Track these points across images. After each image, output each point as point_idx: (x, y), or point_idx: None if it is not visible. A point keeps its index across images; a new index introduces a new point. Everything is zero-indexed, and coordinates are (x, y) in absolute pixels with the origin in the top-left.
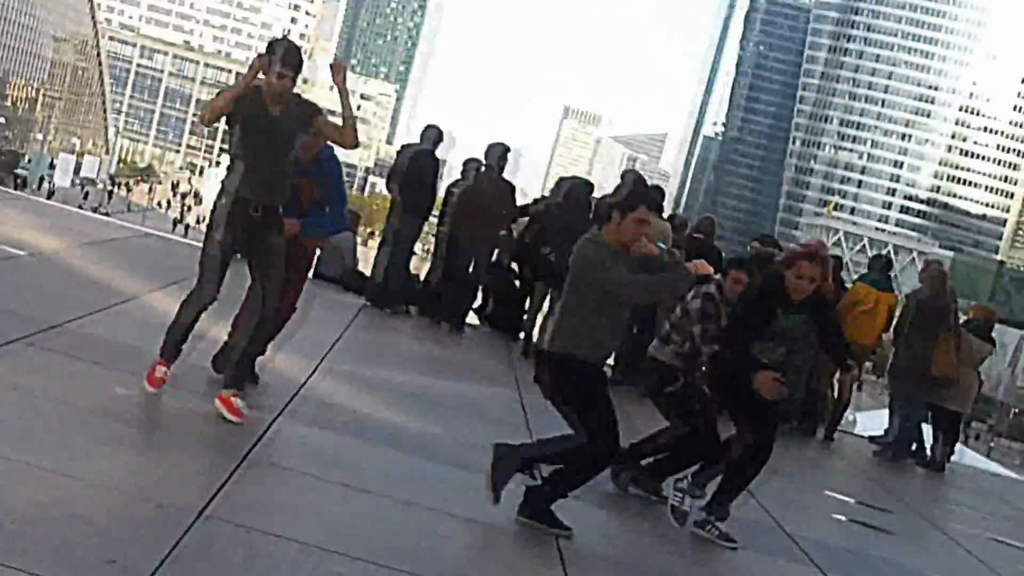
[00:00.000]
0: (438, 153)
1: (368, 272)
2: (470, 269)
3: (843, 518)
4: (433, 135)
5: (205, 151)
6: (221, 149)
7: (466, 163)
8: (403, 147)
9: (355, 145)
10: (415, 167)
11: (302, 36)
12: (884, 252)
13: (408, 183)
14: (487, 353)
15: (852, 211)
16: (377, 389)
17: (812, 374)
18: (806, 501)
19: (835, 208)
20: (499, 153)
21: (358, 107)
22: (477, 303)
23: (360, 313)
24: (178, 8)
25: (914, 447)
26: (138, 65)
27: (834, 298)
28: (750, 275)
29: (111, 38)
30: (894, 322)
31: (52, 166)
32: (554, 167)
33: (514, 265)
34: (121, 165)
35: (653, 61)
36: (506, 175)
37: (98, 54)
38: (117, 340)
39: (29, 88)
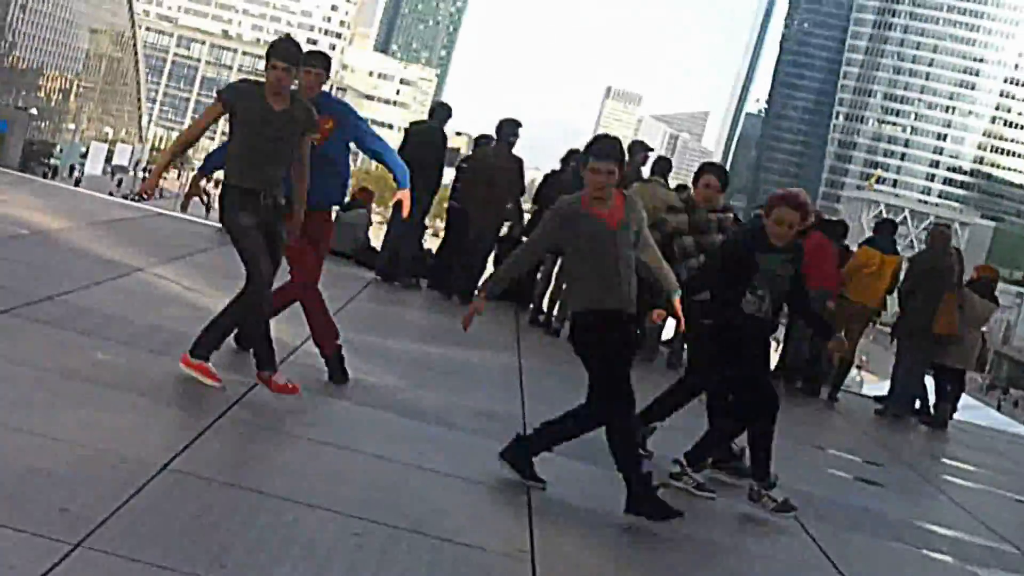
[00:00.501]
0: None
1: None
2: (480, 242)
3: (837, 472)
4: (443, 113)
5: None
6: None
7: (477, 139)
8: (411, 124)
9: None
10: (422, 143)
11: (342, 23)
12: (893, 219)
13: (415, 159)
14: (494, 322)
15: (895, 184)
16: (374, 355)
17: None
18: (800, 458)
19: (877, 181)
20: (510, 129)
21: (397, 91)
22: (487, 275)
23: (368, 286)
24: None
25: (918, 405)
26: (175, 55)
27: (837, 260)
28: (721, 180)
29: (148, 29)
30: (899, 283)
31: (85, 155)
32: None
33: (524, 237)
34: (154, 153)
35: (695, 39)
36: (549, 156)
37: (134, 45)
38: (107, 311)
39: (63, 79)
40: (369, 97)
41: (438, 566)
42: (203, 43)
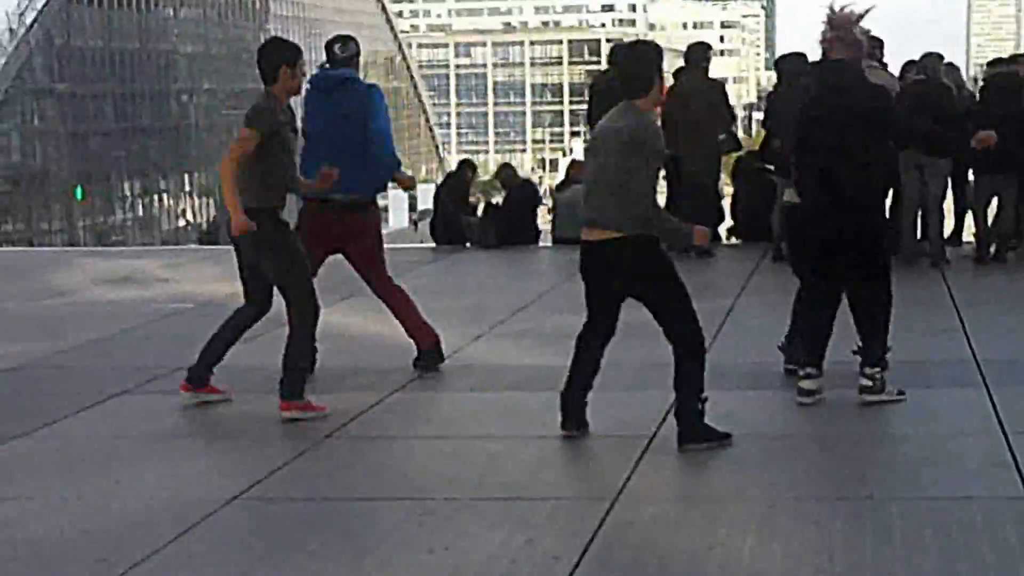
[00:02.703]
0: None
1: None
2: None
3: None
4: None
5: (553, 141)
6: (572, 133)
7: (674, 74)
8: (593, 80)
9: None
10: (602, 94)
11: None
12: None
13: (602, 113)
14: (728, 269)
15: None
16: (545, 338)
17: None
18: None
19: None
20: (699, 53)
21: (721, 39)
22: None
23: None
24: None
25: None
26: (456, 66)
27: None
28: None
29: (420, 45)
30: None
31: (385, 209)
32: (973, 49)
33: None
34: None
35: None
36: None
37: (407, 68)
38: (248, 363)
39: None
40: None
41: (501, 520)
42: (484, 45)
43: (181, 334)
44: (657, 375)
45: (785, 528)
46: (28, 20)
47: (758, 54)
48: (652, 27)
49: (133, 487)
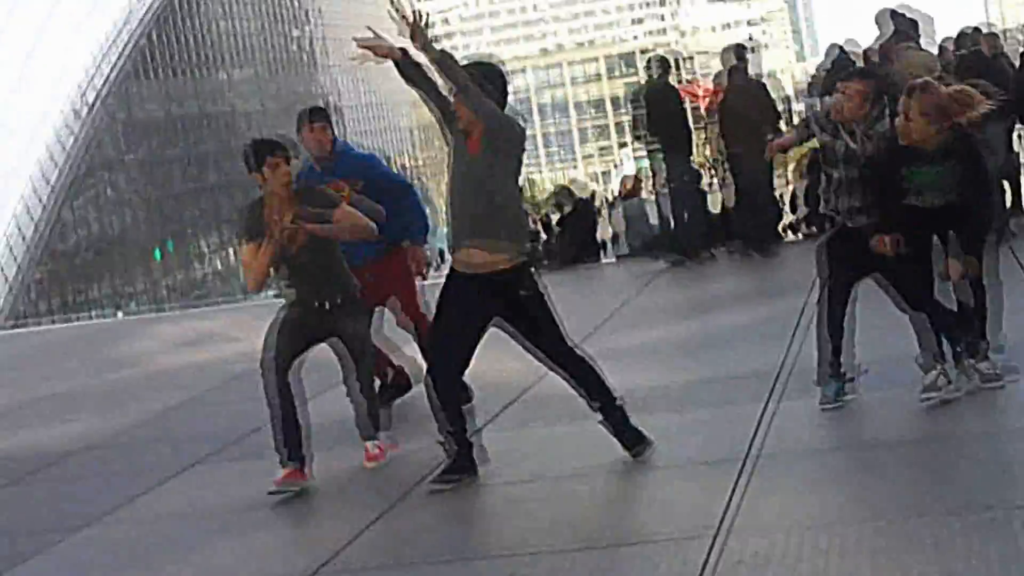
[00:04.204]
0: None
1: None
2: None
3: None
4: (661, 66)
5: (602, 154)
6: (620, 144)
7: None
8: (638, 87)
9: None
10: (653, 102)
11: None
12: None
13: (656, 120)
14: (794, 268)
15: None
16: (628, 357)
17: None
18: None
19: None
20: (736, 54)
21: (750, 37)
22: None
23: (658, 276)
24: (523, 17)
25: None
26: None
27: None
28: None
29: None
30: None
31: None
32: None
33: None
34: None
35: None
36: None
37: None
38: (320, 421)
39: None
40: None
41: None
42: (524, 71)
43: (248, 397)
44: (736, 388)
45: (901, 552)
46: (91, 99)
47: (787, 47)
48: (683, 34)
49: (211, 567)
